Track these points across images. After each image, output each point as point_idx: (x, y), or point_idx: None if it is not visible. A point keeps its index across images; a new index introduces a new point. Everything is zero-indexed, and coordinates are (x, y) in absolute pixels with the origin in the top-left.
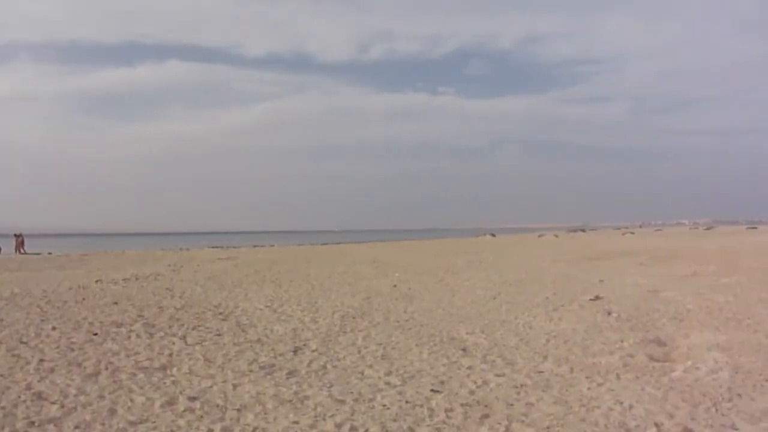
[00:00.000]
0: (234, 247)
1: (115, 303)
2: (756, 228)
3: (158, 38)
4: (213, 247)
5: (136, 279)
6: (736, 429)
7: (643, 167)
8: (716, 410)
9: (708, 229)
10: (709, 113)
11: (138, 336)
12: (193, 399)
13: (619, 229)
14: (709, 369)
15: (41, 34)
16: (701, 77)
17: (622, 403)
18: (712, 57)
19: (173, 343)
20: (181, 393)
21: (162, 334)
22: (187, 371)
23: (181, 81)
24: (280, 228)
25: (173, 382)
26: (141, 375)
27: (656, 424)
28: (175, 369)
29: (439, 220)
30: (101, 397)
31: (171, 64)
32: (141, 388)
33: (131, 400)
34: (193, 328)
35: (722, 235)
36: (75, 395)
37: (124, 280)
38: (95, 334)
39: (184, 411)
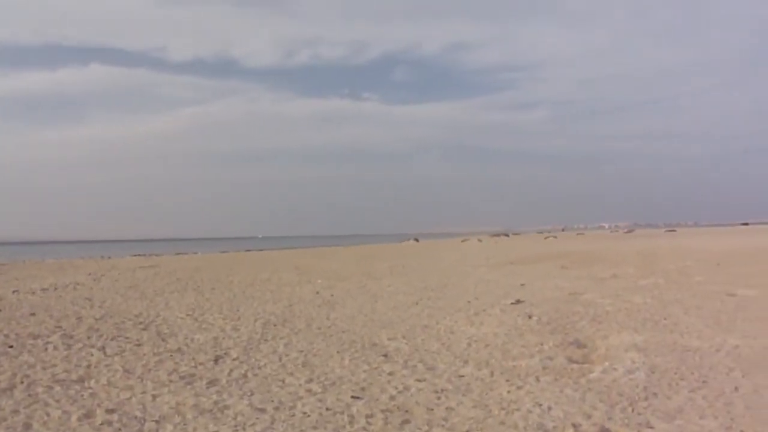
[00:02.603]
0: (156, 255)
1: (33, 314)
2: (674, 231)
3: (80, 41)
4: (135, 255)
5: (55, 289)
6: (652, 427)
7: (566, 172)
8: (632, 409)
9: (628, 232)
10: (630, 119)
11: (55, 348)
12: (111, 411)
13: (542, 233)
14: (626, 369)
15: None
16: (623, 84)
17: (541, 405)
18: (634, 65)
19: (91, 355)
20: (98, 405)
21: (80, 345)
22: (106, 383)
23: (104, 85)
24: (204, 235)
25: (91, 395)
26: (58, 388)
27: (574, 425)
28: (93, 381)
29: (363, 225)
30: (16, 411)
31: (93, 68)
32: (57, 401)
33: (47, 414)
34: (112, 339)
35: (642, 238)
36: None
37: (42, 290)
38: (10, 347)
39: (102, 424)
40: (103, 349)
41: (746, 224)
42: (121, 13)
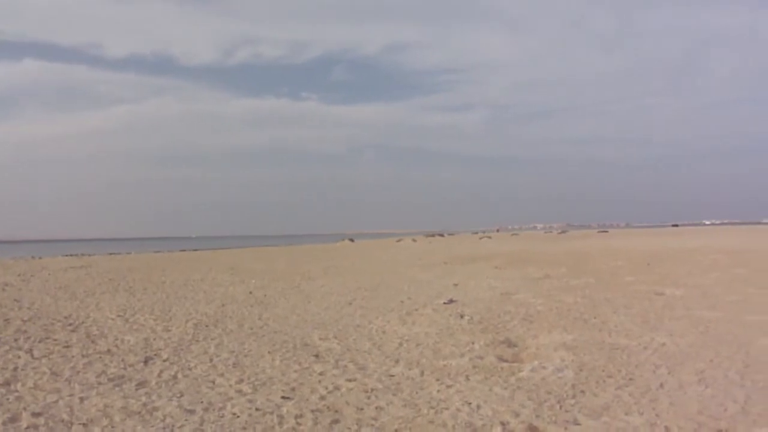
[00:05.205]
0: (88, 255)
1: None
2: (606, 231)
3: (12, 35)
4: (66, 255)
5: None
6: (579, 424)
7: (501, 174)
8: (560, 407)
9: (561, 232)
10: (565, 123)
11: None
12: (37, 415)
13: (477, 233)
14: (555, 367)
15: None
16: (559, 88)
17: (470, 403)
18: (570, 69)
19: (18, 357)
20: (24, 409)
21: (7, 347)
22: (32, 386)
23: (37, 81)
24: (138, 235)
25: (17, 398)
26: None
27: (502, 423)
28: (19, 384)
29: (298, 225)
30: None
31: (26, 63)
32: None
33: None
34: (40, 341)
35: (574, 238)
36: None
37: None
38: None
39: (28, 428)
40: (30, 351)
41: (676, 225)
42: (57, 7)
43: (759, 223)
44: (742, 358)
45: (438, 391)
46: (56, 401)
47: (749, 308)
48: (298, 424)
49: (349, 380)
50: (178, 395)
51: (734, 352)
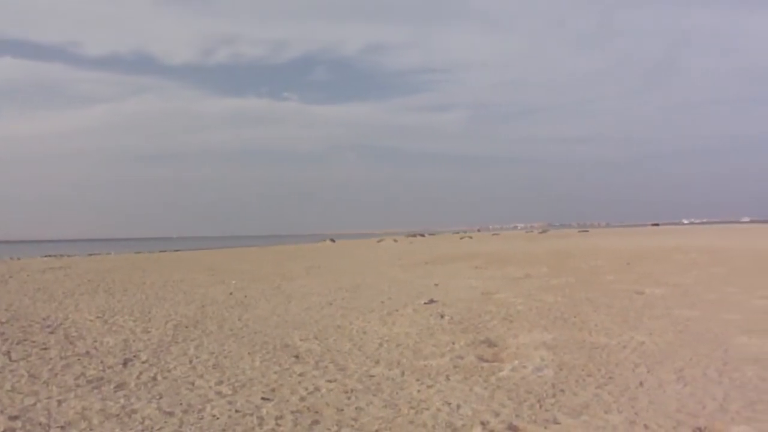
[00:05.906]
0: (68, 256)
1: None
2: (587, 231)
3: None
4: (45, 256)
5: None
6: (558, 423)
7: (482, 174)
8: (540, 406)
9: (542, 232)
10: (546, 122)
11: None
12: (14, 418)
13: (458, 233)
14: (535, 367)
15: None
16: (540, 88)
17: (450, 403)
18: (551, 69)
19: None
20: (1, 412)
21: None
22: (10, 389)
23: (16, 79)
24: (118, 235)
25: None
26: None
27: (482, 423)
28: None
29: (279, 225)
30: None
31: (5, 62)
32: None
33: None
34: (17, 343)
35: (555, 238)
36: None
37: None
38: None
39: (4, 431)
40: (7, 353)
41: (656, 225)
42: (36, 5)
43: (737, 222)
44: (721, 356)
45: (418, 391)
46: (34, 404)
47: (728, 307)
48: (278, 425)
49: (329, 381)
50: (158, 397)
51: (713, 350)
